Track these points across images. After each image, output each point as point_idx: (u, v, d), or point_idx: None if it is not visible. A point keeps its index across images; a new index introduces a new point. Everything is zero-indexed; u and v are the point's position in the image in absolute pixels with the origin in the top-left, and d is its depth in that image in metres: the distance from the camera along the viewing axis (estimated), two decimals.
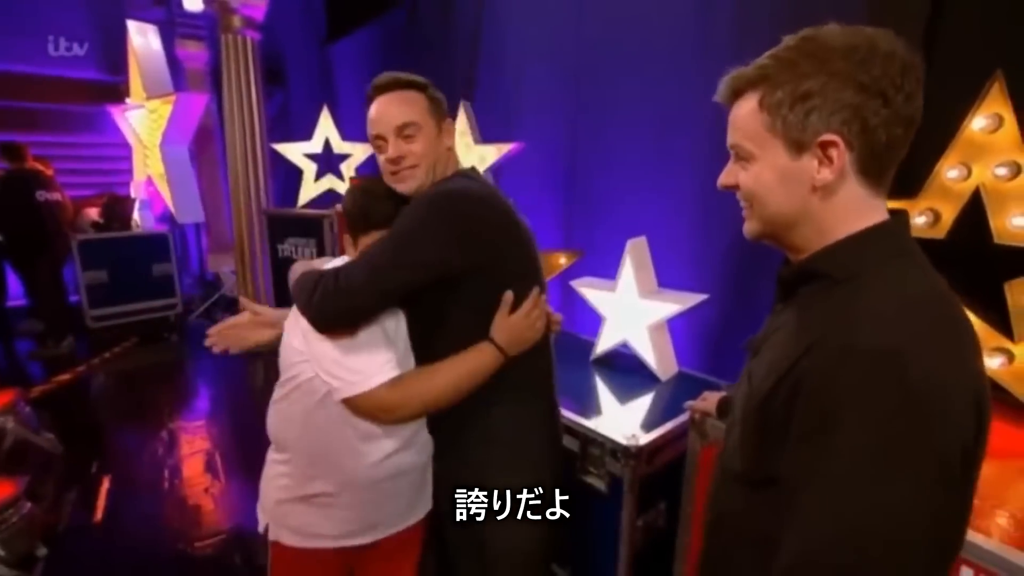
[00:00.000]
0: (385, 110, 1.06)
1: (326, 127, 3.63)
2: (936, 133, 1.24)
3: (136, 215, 4.89)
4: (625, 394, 1.73)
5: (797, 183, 0.63)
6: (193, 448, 2.90)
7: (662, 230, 2.01)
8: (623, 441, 1.41)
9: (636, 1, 2.22)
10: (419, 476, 1.12)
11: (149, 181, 5.00)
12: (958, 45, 1.32)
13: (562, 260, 2.40)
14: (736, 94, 0.67)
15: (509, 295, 1.03)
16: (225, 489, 2.53)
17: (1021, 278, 1.17)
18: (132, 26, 4.87)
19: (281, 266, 3.67)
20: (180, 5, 4.73)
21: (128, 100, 5.04)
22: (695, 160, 1.99)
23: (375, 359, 0.98)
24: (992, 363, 1.22)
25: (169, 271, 4.57)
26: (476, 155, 2.85)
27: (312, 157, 3.69)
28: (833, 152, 0.60)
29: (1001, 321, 1.21)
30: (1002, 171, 1.18)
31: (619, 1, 2.30)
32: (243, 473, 2.63)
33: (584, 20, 2.50)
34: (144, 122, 4.88)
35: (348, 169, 3.70)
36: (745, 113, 0.65)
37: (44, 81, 4.84)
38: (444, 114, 1.11)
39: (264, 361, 3.90)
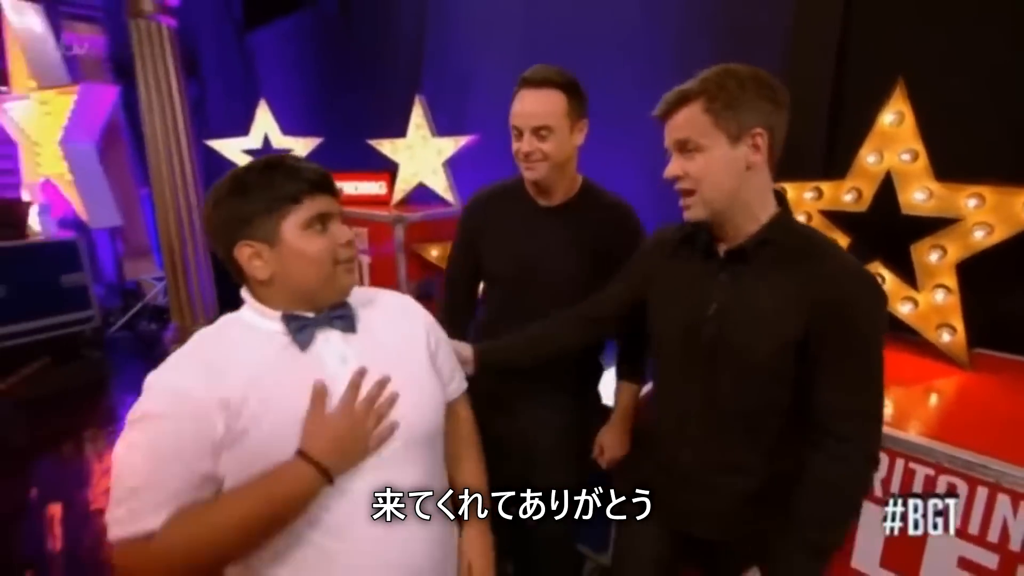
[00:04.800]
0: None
1: (265, 121, 3.47)
2: (859, 127, 1.54)
3: (34, 221, 4.34)
4: None
5: (736, 166, 0.91)
6: None
7: None
8: None
9: None
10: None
11: (48, 182, 4.45)
12: (868, 55, 1.64)
13: None
14: (681, 103, 0.92)
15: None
16: None
17: (922, 240, 1.49)
18: (6, 3, 4.27)
19: (224, 269, 3.46)
20: None
21: (3, 89, 4.43)
22: (652, 148, 2.19)
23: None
24: (903, 309, 1.55)
25: (81, 281, 4.13)
26: (433, 148, 2.90)
27: (251, 153, 3.52)
28: (759, 140, 0.89)
29: (908, 276, 1.54)
30: (906, 156, 1.49)
31: None
32: None
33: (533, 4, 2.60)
34: (32, 116, 4.33)
35: None
36: (693, 115, 0.90)
37: None
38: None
39: None
